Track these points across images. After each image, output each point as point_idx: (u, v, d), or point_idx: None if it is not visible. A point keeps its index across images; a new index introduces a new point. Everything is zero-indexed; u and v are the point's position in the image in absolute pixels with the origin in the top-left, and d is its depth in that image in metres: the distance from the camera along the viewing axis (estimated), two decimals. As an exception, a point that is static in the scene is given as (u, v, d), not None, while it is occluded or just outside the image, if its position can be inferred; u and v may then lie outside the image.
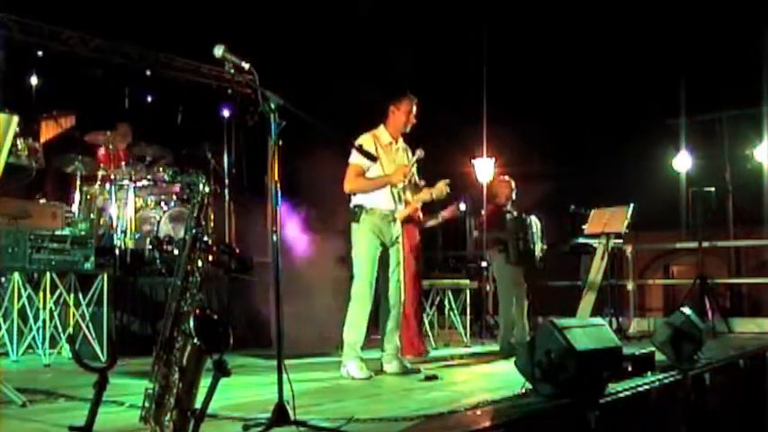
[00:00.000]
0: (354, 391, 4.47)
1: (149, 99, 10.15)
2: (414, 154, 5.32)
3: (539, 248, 7.13)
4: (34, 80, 9.22)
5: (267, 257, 7.22)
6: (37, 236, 5.61)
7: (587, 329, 4.21)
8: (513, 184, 7.32)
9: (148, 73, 9.95)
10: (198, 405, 2.66)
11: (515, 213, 7.16)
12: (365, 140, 5.15)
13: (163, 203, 8.13)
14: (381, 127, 5.32)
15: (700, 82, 15.30)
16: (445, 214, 7.11)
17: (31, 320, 5.65)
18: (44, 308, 5.67)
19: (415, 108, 5.29)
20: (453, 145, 13.95)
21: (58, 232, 5.89)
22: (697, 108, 16.32)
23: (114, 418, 3.34)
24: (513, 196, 7.31)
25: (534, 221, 7.14)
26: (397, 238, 5.23)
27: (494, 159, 13.12)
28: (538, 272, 7.38)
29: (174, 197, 8.21)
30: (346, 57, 11.41)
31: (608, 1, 14.20)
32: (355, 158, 5.08)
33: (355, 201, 5.17)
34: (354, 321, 5.03)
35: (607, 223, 8.08)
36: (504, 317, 6.99)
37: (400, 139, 5.36)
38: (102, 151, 8.26)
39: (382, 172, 5.14)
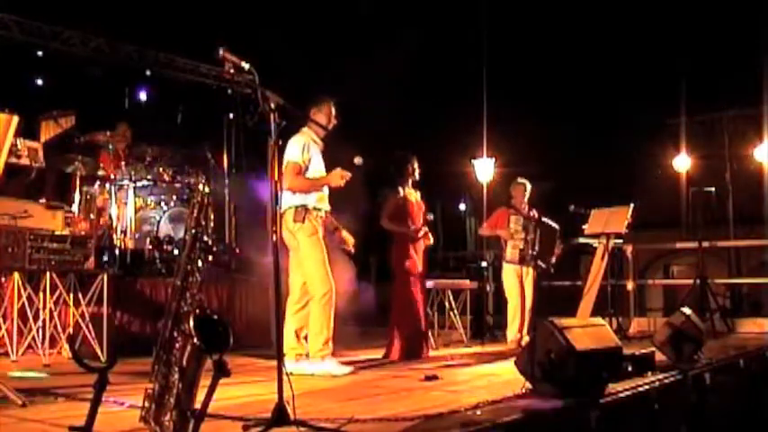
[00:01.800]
0: (354, 391, 4.47)
1: (149, 99, 10.14)
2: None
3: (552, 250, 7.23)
4: (34, 80, 9.21)
5: (267, 257, 7.21)
6: (37, 236, 5.61)
7: (587, 329, 4.21)
8: (527, 186, 7.41)
9: (148, 73, 9.95)
10: (198, 405, 2.66)
11: (522, 214, 7.24)
12: (306, 142, 5.15)
13: (163, 203, 8.13)
14: (306, 130, 5.28)
15: (700, 82, 15.32)
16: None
17: (31, 320, 5.65)
18: (44, 308, 5.67)
19: (334, 110, 5.32)
20: (453, 145, 13.97)
21: (57, 232, 5.89)
22: (697, 108, 16.33)
23: (114, 418, 3.33)
24: (526, 199, 7.40)
25: (547, 223, 7.23)
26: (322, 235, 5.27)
27: (494, 159, 13.13)
28: (543, 271, 7.44)
29: (174, 197, 8.21)
30: (346, 57, 11.41)
31: (608, 1, 14.20)
32: (295, 156, 5.09)
33: (296, 200, 5.12)
34: (324, 321, 5.06)
35: (607, 223, 8.08)
36: (511, 315, 7.15)
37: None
38: (102, 151, 8.26)
39: (319, 173, 5.19)
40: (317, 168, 5.23)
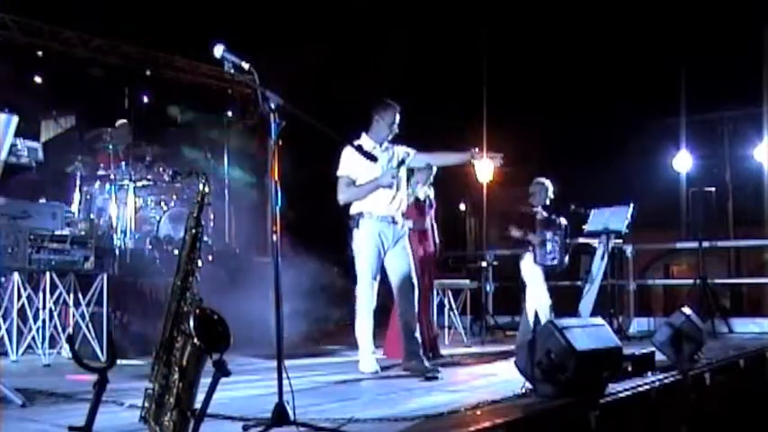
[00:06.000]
0: (354, 391, 4.47)
1: (149, 99, 10.14)
2: (401, 153, 5.38)
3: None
4: (34, 80, 9.21)
5: (267, 257, 7.22)
6: (37, 236, 5.61)
7: (587, 329, 4.21)
8: (548, 186, 7.32)
9: (148, 73, 9.95)
10: (198, 405, 2.66)
11: (545, 214, 7.20)
12: (349, 153, 5.12)
13: (163, 203, 8.13)
14: (364, 135, 5.35)
15: (700, 81, 15.29)
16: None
17: (31, 320, 5.65)
18: (44, 308, 5.67)
19: (398, 117, 5.31)
20: (453, 145, 13.94)
21: (57, 232, 5.89)
22: (697, 107, 16.31)
23: (114, 418, 3.33)
24: (548, 200, 7.31)
25: (563, 223, 7.21)
26: (399, 239, 5.29)
27: (494, 159, 13.09)
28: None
29: (174, 197, 8.21)
30: (346, 58, 11.41)
31: (608, 0, 14.19)
32: (343, 171, 5.20)
33: (354, 209, 5.26)
34: (360, 319, 5.22)
35: (607, 223, 8.09)
36: (530, 315, 7.08)
37: (385, 143, 5.36)
38: (102, 151, 8.26)
39: (370, 177, 5.18)
40: (368, 174, 5.17)
